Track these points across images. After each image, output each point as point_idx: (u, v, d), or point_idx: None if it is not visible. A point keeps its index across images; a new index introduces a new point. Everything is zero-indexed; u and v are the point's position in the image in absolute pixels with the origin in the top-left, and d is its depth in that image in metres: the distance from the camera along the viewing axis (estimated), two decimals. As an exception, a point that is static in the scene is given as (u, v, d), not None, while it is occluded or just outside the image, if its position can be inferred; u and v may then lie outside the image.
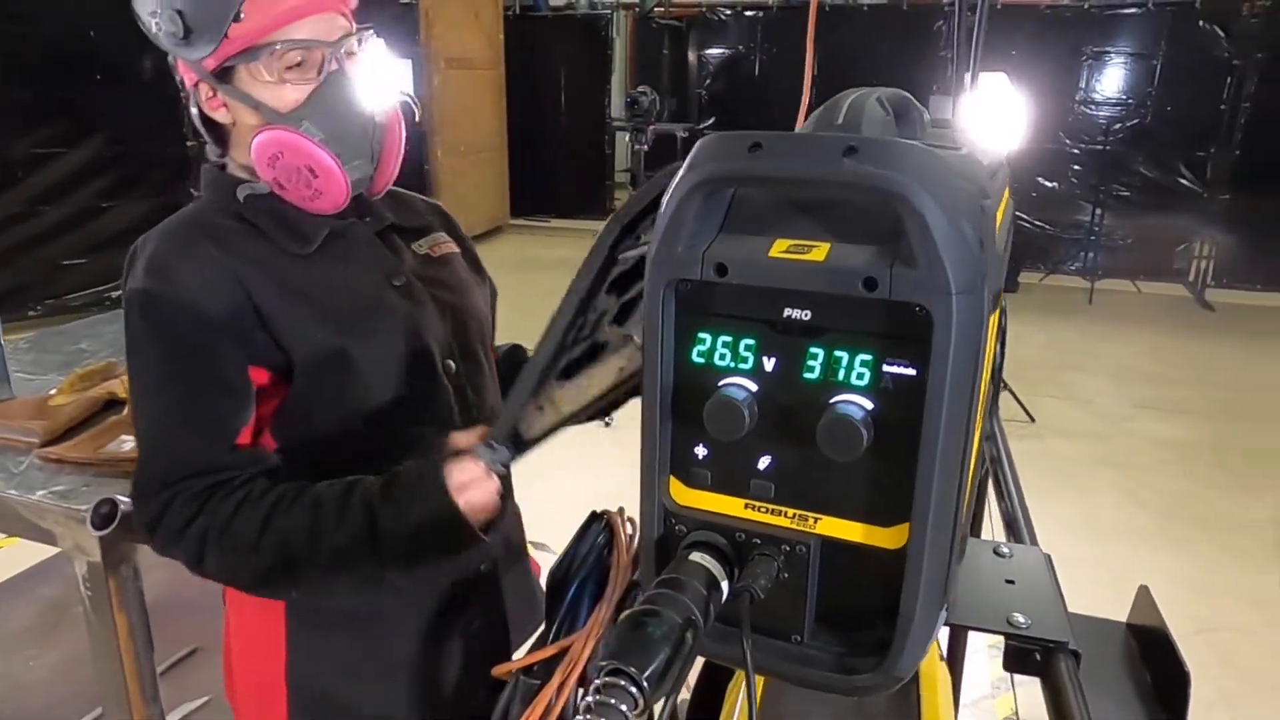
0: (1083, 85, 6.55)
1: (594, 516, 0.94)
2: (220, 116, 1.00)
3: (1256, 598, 2.69)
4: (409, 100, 1.11)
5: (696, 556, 0.59)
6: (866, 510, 0.57)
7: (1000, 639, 0.74)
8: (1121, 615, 0.86)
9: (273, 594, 1.02)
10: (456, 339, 1.11)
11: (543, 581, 1.24)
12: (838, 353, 0.55)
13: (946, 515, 0.55)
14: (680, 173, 0.56)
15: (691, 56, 7.79)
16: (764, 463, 0.59)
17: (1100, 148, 6.35)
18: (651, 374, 0.59)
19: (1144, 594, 0.83)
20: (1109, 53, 6.45)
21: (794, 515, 0.59)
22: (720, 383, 0.57)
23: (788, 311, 0.55)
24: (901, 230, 0.50)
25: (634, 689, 0.48)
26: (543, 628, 0.85)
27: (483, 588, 1.14)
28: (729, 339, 0.57)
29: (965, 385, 0.52)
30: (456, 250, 1.19)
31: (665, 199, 0.56)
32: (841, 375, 0.55)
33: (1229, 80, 6.23)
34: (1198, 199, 6.37)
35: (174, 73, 1.01)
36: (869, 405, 0.54)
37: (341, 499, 0.91)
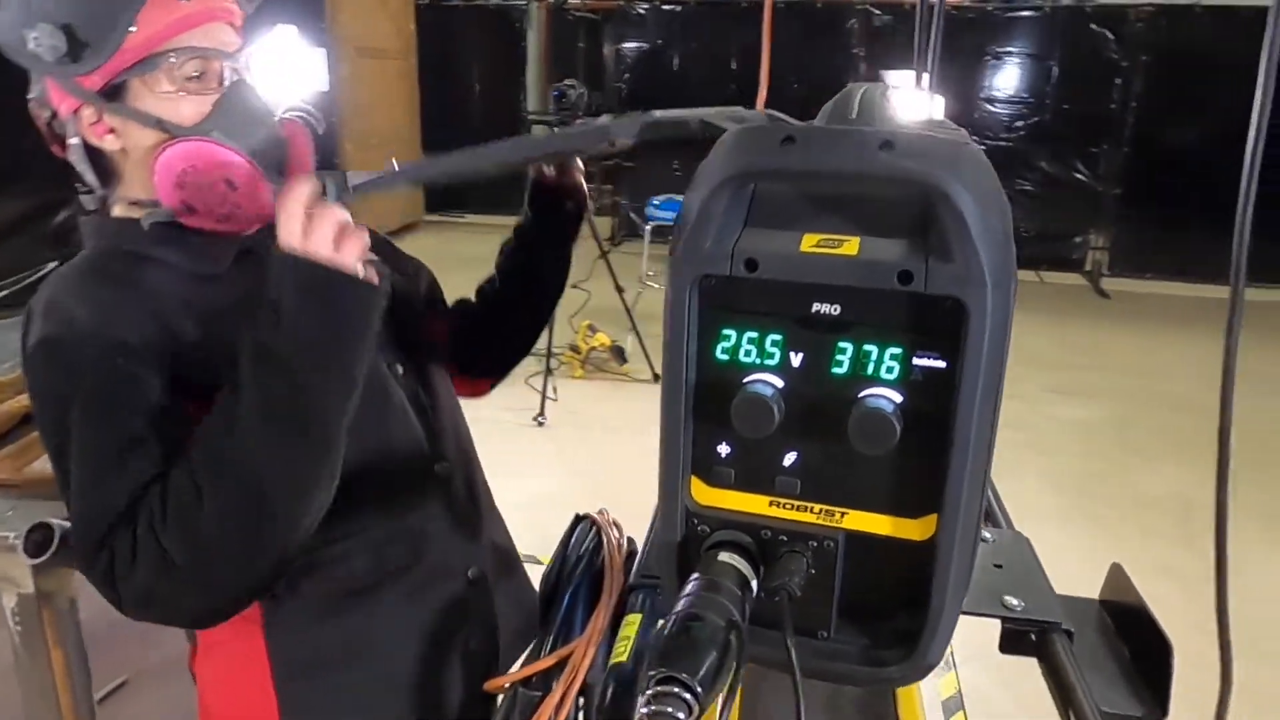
0: (986, 84, 6.82)
1: (578, 519, 0.92)
2: (108, 144, 0.91)
3: (1167, 568, 2.85)
4: (310, 116, 1.03)
5: (725, 556, 0.58)
6: (894, 502, 0.57)
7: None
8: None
9: (256, 541, 0.81)
10: (398, 340, 1.07)
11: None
12: (867, 347, 0.55)
13: (975, 504, 0.55)
14: (706, 167, 0.55)
15: (608, 50, 7.76)
16: (789, 459, 0.58)
17: (1004, 144, 6.64)
18: (674, 372, 0.58)
19: (1117, 571, 0.87)
20: (1010, 53, 6.74)
21: (820, 511, 0.58)
22: (745, 379, 0.57)
23: (816, 306, 0.55)
24: (934, 223, 0.51)
25: (688, 695, 0.47)
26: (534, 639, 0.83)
27: (474, 597, 1.10)
28: (755, 335, 0.56)
29: (995, 375, 0.53)
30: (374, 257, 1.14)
31: (692, 194, 0.55)
32: (871, 369, 0.55)
33: (1118, 80, 6.59)
34: (1093, 193, 6.72)
35: (38, 107, 0.91)
36: (898, 398, 0.54)
37: (229, 386, 0.81)
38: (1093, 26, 6.56)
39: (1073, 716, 0.66)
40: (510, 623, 1.15)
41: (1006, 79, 6.80)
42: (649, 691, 0.47)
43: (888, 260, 0.52)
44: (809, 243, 0.54)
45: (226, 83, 0.93)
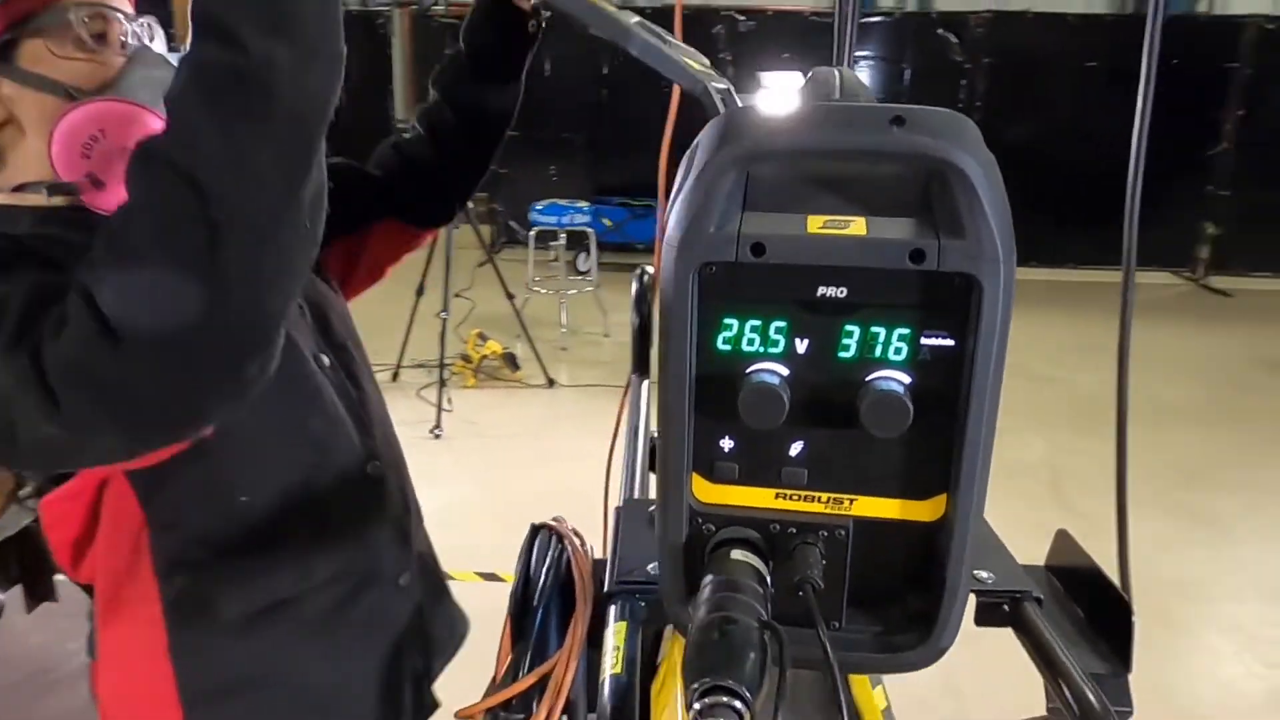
0: (844, 86, 7.12)
1: (536, 530, 0.88)
2: None
3: (1042, 530, 3.05)
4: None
5: (738, 554, 0.56)
6: (903, 485, 0.56)
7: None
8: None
9: (209, 259, 0.61)
10: (322, 333, 1.00)
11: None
12: (874, 329, 0.54)
13: (984, 482, 0.55)
14: (708, 148, 0.52)
15: (475, 56, 7.62)
16: (795, 449, 0.57)
17: (865, 143, 6.95)
18: (677, 366, 0.55)
19: (1064, 536, 0.90)
20: (866, 57, 7.08)
21: (829, 499, 0.57)
22: (749, 370, 0.55)
23: (822, 290, 0.53)
24: (944, 198, 0.50)
25: (738, 703, 0.44)
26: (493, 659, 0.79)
27: (405, 608, 1.03)
28: (758, 323, 0.54)
29: (1003, 350, 0.53)
30: None
31: (692, 179, 0.52)
32: (879, 351, 0.54)
33: (963, 81, 7.03)
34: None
35: None
36: (907, 379, 0.54)
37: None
38: (939, 31, 6.97)
39: (1061, 681, 0.67)
40: (442, 635, 1.09)
41: (865, 81, 7.12)
42: (696, 705, 0.44)
43: (899, 239, 0.51)
44: (815, 224, 0.52)
45: (130, 47, 0.83)
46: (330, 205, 0.69)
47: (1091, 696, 0.60)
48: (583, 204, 5.88)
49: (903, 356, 0.54)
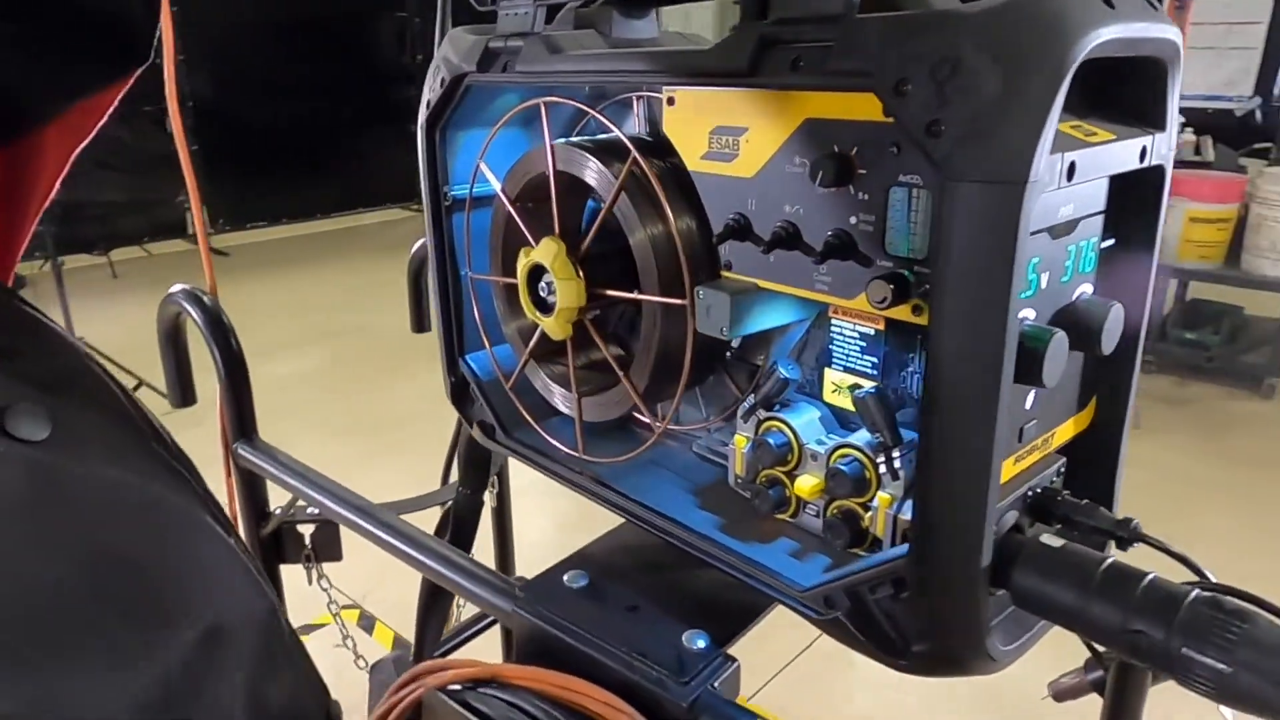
0: None
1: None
2: None
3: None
4: None
5: (1053, 539, 0.47)
6: (1074, 402, 0.55)
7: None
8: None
9: None
10: None
11: None
12: (1081, 244, 0.49)
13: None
14: (1033, 45, 0.38)
15: None
16: (1030, 399, 0.49)
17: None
18: (995, 331, 0.41)
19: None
20: None
21: (1043, 442, 0.52)
22: (1024, 326, 0.45)
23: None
24: (1153, 94, 0.48)
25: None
26: None
27: None
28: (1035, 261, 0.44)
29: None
30: None
31: (1009, 88, 0.38)
32: (1084, 265, 0.50)
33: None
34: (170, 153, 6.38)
35: None
36: (1092, 287, 0.52)
37: None
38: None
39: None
40: None
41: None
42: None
43: (1139, 146, 0.47)
44: (1076, 132, 0.44)
45: None
46: None
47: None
48: None
49: (1091, 266, 0.51)
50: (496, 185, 0.72)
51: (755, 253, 0.55)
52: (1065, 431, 0.54)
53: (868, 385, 0.55)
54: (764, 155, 0.53)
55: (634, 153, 0.59)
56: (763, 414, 0.60)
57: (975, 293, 0.41)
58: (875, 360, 0.55)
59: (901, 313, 0.48)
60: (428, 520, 1.05)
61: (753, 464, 0.61)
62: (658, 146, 0.63)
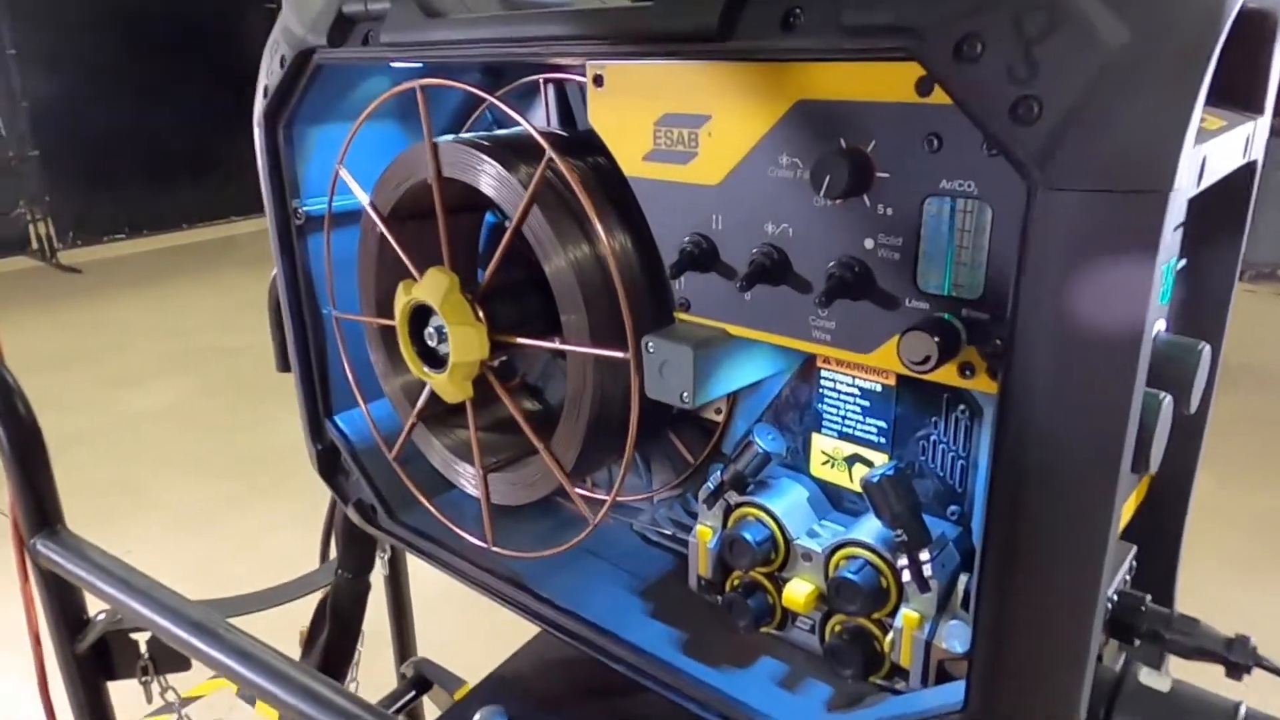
0: None
1: None
2: None
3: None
4: None
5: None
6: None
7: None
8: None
9: None
10: None
11: None
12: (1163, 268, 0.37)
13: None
14: None
15: None
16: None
17: None
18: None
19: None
20: None
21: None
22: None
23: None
24: (1255, 65, 0.36)
25: None
26: None
27: None
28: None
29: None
30: None
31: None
32: (1162, 297, 0.38)
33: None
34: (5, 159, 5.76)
35: None
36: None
37: None
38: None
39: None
40: None
41: None
42: None
43: (1240, 133, 0.35)
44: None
45: None
46: None
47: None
48: None
49: (1169, 296, 0.39)
50: (363, 198, 0.55)
51: (725, 288, 0.40)
52: (1127, 510, 0.42)
53: (877, 461, 0.42)
54: (736, 153, 0.38)
55: (548, 151, 0.44)
56: (734, 497, 0.45)
57: (1087, 349, 0.28)
58: (883, 425, 0.42)
59: (946, 375, 0.34)
60: (302, 608, 0.85)
61: (722, 564, 0.46)
62: (580, 143, 0.48)
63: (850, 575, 0.40)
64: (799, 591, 0.43)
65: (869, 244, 0.35)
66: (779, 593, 0.44)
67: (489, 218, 0.61)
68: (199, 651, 0.59)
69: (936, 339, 0.32)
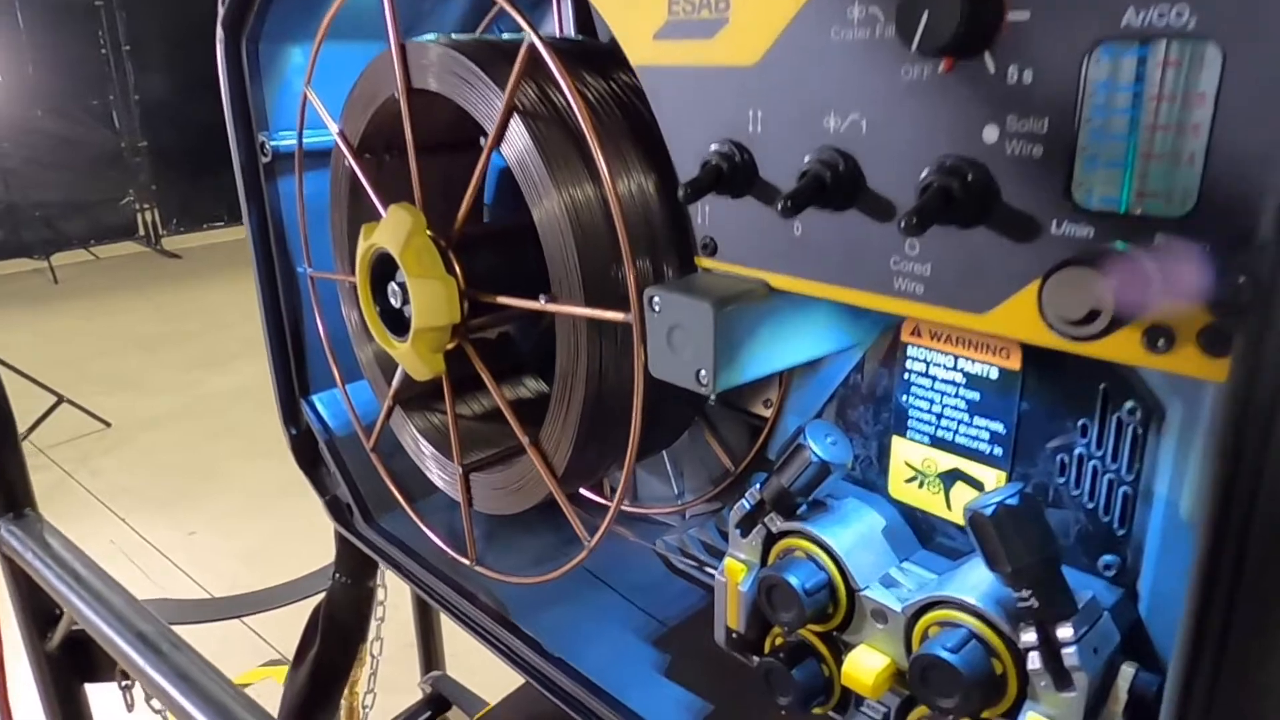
0: None
1: None
2: None
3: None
4: None
5: None
6: None
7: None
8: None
9: None
10: None
11: None
12: None
13: None
14: None
15: None
16: None
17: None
18: None
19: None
20: None
21: None
22: None
23: None
24: None
25: None
26: None
27: None
28: None
29: None
30: None
31: None
32: None
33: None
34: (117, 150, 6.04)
35: None
36: None
37: None
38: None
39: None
40: None
41: None
42: None
43: None
44: None
45: None
46: None
47: None
48: None
49: None
50: (332, 126, 0.44)
51: (766, 218, 0.27)
52: None
53: (990, 482, 0.28)
54: (783, 13, 0.25)
55: (529, 33, 0.32)
56: (777, 523, 0.32)
57: None
58: (1000, 430, 0.28)
59: (1122, 347, 0.20)
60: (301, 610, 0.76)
61: (759, 615, 0.33)
62: (590, 53, 0.35)
63: (945, 653, 0.27)
64: (867, 665, 0.29)
65: (991, 134, 0.22)
66: (838, 663, 0.31)
67: (497, 160, 0.50)
68: (131, 663, 0.49)
69: (1112, 282, 0.19)
